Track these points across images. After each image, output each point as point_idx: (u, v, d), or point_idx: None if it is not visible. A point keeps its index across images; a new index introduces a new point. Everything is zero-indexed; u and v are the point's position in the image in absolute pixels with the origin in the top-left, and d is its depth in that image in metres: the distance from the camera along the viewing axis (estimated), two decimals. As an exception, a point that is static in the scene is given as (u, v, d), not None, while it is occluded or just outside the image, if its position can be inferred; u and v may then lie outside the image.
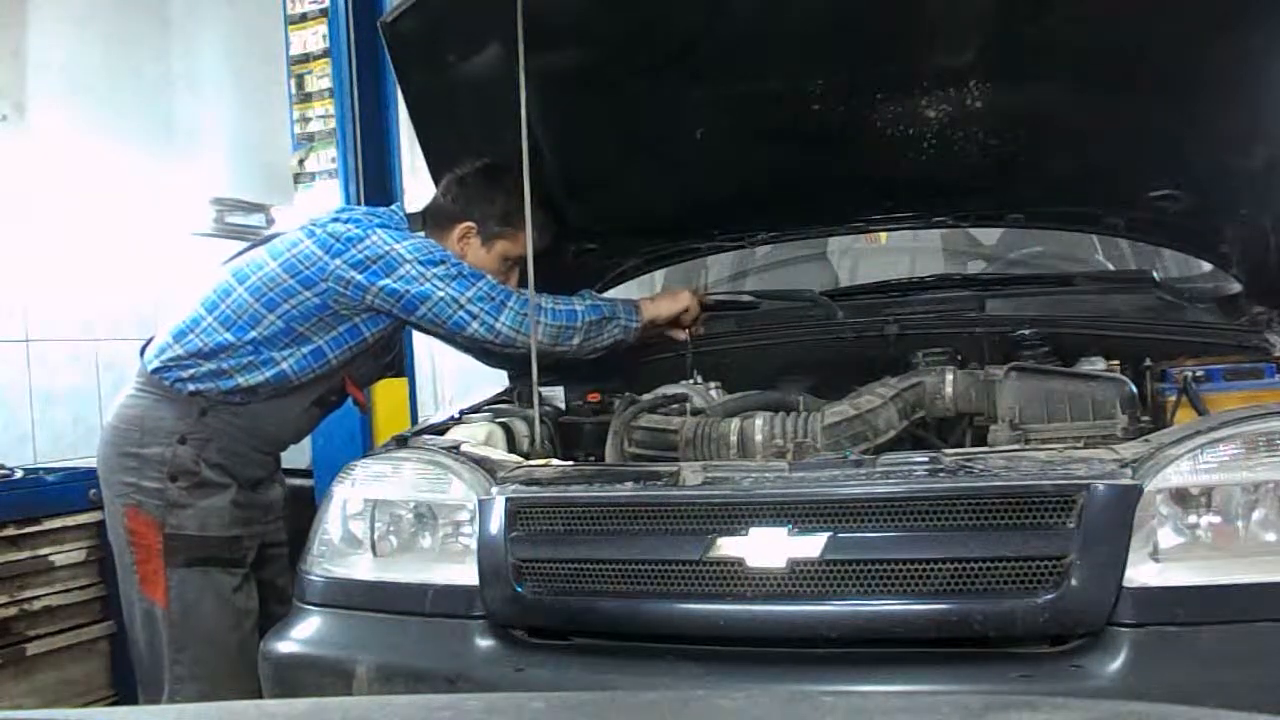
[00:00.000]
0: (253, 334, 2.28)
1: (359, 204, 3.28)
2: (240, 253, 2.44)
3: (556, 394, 2.40)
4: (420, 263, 2.25)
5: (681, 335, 2.55)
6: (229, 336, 2.28)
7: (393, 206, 2.46)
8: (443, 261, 2.26)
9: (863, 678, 1.52)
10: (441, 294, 2.24)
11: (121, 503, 2.33)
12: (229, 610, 2.32)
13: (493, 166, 2.34)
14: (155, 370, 2.31)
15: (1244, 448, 1.54)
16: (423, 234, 2.37)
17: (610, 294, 2.81)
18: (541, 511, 1.77)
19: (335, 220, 2.32)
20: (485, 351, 2.50)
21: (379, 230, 2.28)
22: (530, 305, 2.20)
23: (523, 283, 2.32)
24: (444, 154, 2.40)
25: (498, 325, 2.25)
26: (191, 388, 2.29)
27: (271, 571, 2.48)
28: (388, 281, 2.23)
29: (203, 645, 2.29)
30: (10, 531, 2.86)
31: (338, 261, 2.24)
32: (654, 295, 2.63)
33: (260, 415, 2.35)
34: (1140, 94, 2.07)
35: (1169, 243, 2.56)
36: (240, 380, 2.29)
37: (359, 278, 2.23)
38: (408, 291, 2.23)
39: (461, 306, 2.24)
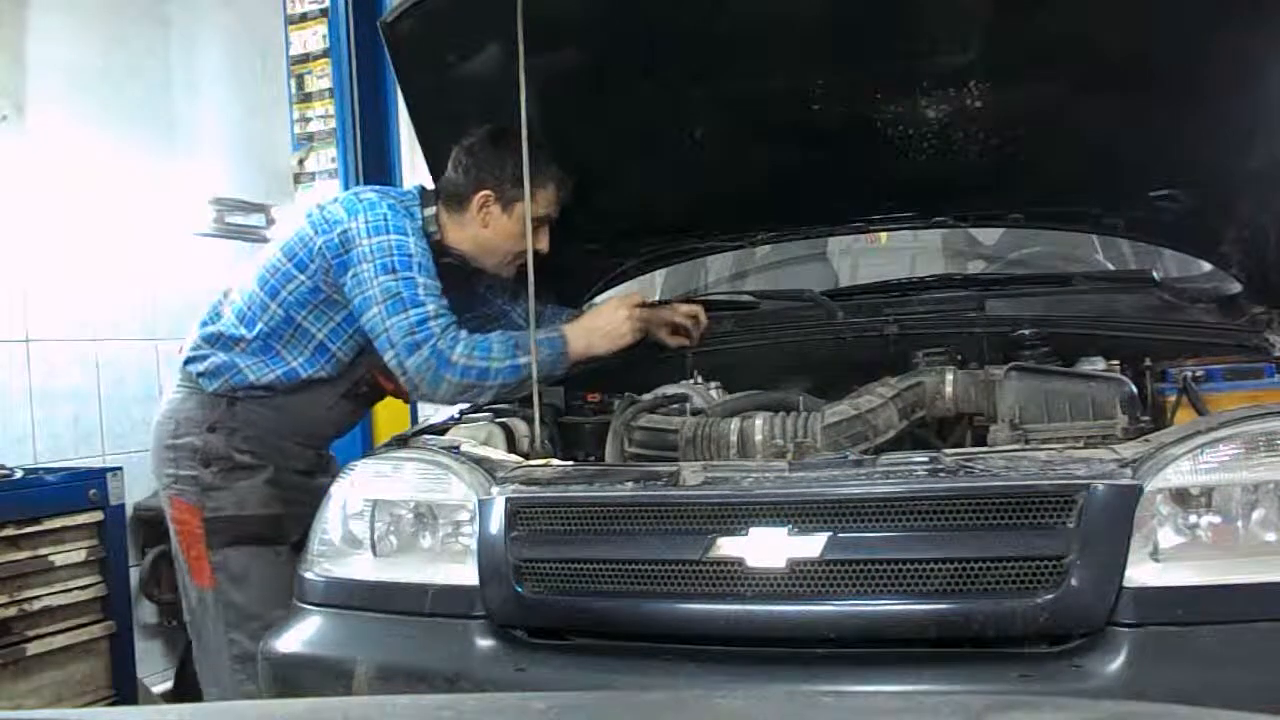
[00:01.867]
0: (260, 327, 2.30)
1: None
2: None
3: (556, 394, 2.40)
4: (374, 266, 2.20)
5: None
6: (241, 330, 2.32)
7: (411, 187, 2.43)
8: (394, 271, 2.20)
9: (863, 678, 1.52)
10: (373, 311, 2.20)
11: (167, 494, 2.38)
12: (281, 576, 2.23)
13: (499, 130, 2.29)
14: (186, 362, 2.36)
15: (1244, 448, 1.54)
16: (433, 210, 2.33)
17: (607, 296, 2.81)
18: (541, 511, 1.77)
19: (336, 201, 2.32)
20: None
21: (360, 216, 2.24)
22: (530, 309, 2.17)
23: (547, 247, 2.32)
24: (444, 154, 2.40)
25: (406, 364, 2.19)
26: (213, 386, 2.31)
27: None
28: (346, 278, 2.23)
29: (256, 621, 2.25)
30: (10, 531, 2.86)
31: (320, 241, 2.25)
32: (588, 320, 2.37)
33: (286, 409, 2.36)
34: (1140, 93, 2.07)
35: (1169, 243, 2.56)
36: (252, 377, 2.30)
37: (333, 263, 2.24)
38: (355, 295, 2.23)
39: (385, 332, 2.20)
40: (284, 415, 2.36)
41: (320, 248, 2.25)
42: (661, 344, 2.51)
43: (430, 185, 2.44)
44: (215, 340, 2.33)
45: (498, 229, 2.33)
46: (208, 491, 2.30)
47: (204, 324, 2.38)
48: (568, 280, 2.61)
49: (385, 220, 2.25)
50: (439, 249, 2.34)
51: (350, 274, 2.22)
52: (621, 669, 1.64)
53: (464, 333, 2.22)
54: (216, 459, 2.31)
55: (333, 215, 2.27)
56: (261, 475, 2.33)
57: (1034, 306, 2.39)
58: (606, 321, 2.35)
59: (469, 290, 2.46)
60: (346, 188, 3.58)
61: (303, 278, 2.27)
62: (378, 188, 2.45)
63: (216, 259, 3.94)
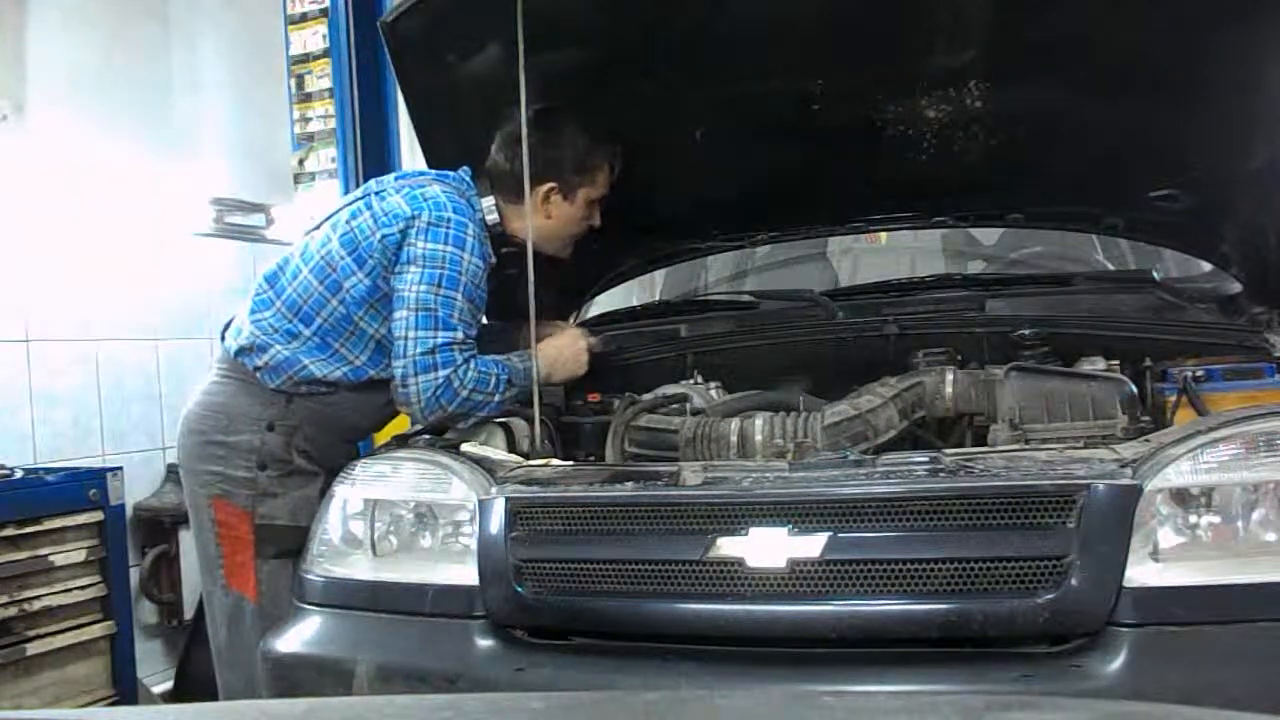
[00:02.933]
0: (317, 322, 2.23)
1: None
2: (320, 224, 2.36)
3: (556, 394, 2.40)
4: (421, 272, 2.16)
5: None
6: (298, 325, 2.24)
7: (461, 170, 2.35)
8: (437, 285, 2.15)
9: (863, 678, 1.52)
10: (402, 314, 2.16)
11: (206, 493, 2.26)
12: None
13: (546, 112, 2.22)
14: (237, 353, 2.26)
15: (1244, 448, 1.54)
16: (491, 200, 2.28)
17: (607, 295, 2.82)
18: (541, 511, 1.77)
19: (398, 192, 2.24)
20: None
21: (424, 215, 2.18)
22: (530, 306, 2.18)
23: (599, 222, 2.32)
24: (444, 154, 2.40)
25: (415, 379, 2.14)
26: (276, 382, 2.23)
27: None
28: (398, 270, 2.18)
29: None
30: (10, 531, 2.86)
31: (380, 235, 2.19)
32: (554, 347, 2.36)
33: (344, 406, 2.29)
34: (1140, 94, 2.07)
35: (1169, 243, 2.56)
36: (318, 372, 2.23)
37: (393, 259, 2.18)
38: (394, 291, 2.18)
39: (406, 339, 2.15)
40: (340, 412, 2.30)
41: (380, 242, 2.19)
42: None
43: (439, 166, 2.38)
44: (272, 333, 2.24)
45: (561, 217, 2.30)
46: (262, 497, 2.22)
47: (254, 311, 2.27)
48: (568, 280, 2.61)
49: (447, 227, 2.18)
50: (501, 239, 2.29)
51: (396, 269, 2.18)
52: (621, 669, 1.64)
53: (474, 361, 2.18)
54: (274, 461, 2.23)
55: (394, 209, 2.20)
56: (316, 484, 2.25)
57: (1034, 306, 2.39)
58: (570, 356, 2.36)
59: None
60: (346, 188, 3.58)
61: (361, 274, 2.20)
62: (435, 175, 2.34)
63: (216, 259, 3.94)
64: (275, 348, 2.23)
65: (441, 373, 2.14)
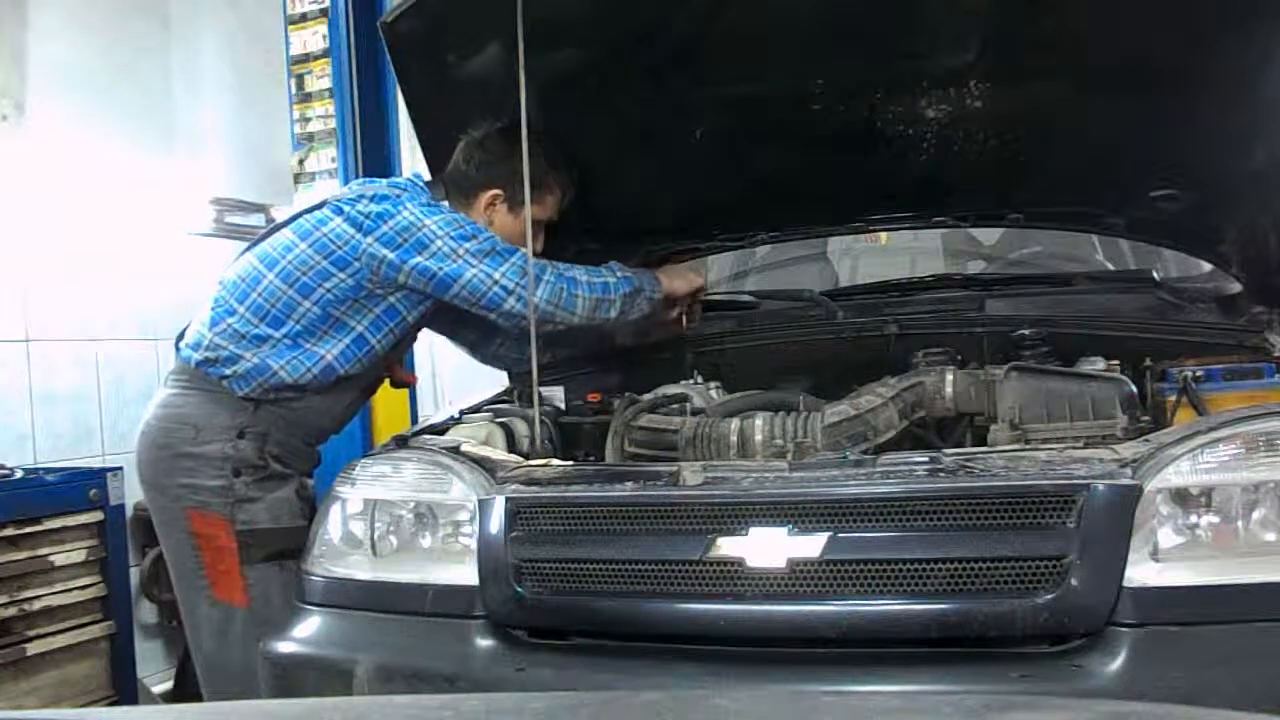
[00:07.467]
0: (289, 324, 2.22)
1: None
2: (261, 238, 2.37)
3: (556, 394, 2.40)
4: (452, 238, 2.19)
5: (681, 323, 2.52)
6: (266, 329, 2.23)
7: (411, 174, 2.40)
8: (474, 236, 2.21)
9: (863, 678, 1.52)
10: (474, 271, 2.19)
11: (180, 506, 2.24)
12: None
13: (511, 126, 2.24)
14: (199, 364, 2.25)
15: (1244, 448, 1.54)
16: (447, 203, 2.32)
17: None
18: (541, 511, 1.78)
19: (363, 198, 2.26)
20: (494, 356, 2.56)
21: (409, 205, 2.22)
22: (529, 292, 2.18)
23: (542, 248, 2.34)
24: (444, 154, 2.40)
25: (535, 299, 2.18)
26: (244, 389, 2.22)
27: None
28: (419, 259, 2.18)
29: None
30: (10, 531, 2.86)
31: (369, 239, 2.19)
32: (667, 269, 2.50)
33: (311, 409, 2.30)
34: (1140, 94, 2.07)
35: (1169, 243, 2.56)
36: (286, 377, 2.23)
37: (391, 256, 2.18)
38: (440, 270, 2.19)
39: (496, 283, 2.19)
40: (306, 416, 2.30)
41: (368, 246, 2.19)
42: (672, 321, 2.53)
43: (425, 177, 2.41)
44: (237, 340, 2.23)
45: (501, 227, 2.31)
46: (240, 504, 2.21)
47: (215, 323, 2.26)
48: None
49: (433, 203, 2.27)
50: None
51: (424, 255, 2.18)
52: (621, 669, 1.64)
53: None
54: (249, 467, 2.22)
55: (374, 212, 2.22)
56: (291, 486, 2.27)
57: (1034, 306, 2.39)
58: (683, 270, 2.50)
59: None
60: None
61: (342, 275, 2.21)
62: (389, 183, 2.37)
63: (216, 259, 3.93)
64: (244, 357, 2.23)
65: (549, 275, 2.23)
